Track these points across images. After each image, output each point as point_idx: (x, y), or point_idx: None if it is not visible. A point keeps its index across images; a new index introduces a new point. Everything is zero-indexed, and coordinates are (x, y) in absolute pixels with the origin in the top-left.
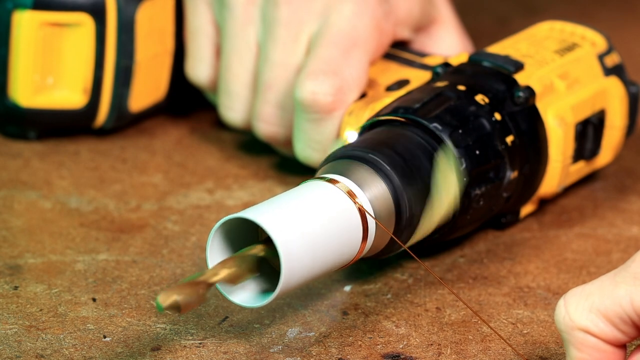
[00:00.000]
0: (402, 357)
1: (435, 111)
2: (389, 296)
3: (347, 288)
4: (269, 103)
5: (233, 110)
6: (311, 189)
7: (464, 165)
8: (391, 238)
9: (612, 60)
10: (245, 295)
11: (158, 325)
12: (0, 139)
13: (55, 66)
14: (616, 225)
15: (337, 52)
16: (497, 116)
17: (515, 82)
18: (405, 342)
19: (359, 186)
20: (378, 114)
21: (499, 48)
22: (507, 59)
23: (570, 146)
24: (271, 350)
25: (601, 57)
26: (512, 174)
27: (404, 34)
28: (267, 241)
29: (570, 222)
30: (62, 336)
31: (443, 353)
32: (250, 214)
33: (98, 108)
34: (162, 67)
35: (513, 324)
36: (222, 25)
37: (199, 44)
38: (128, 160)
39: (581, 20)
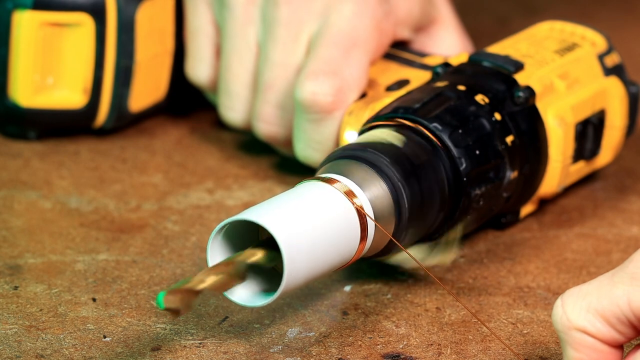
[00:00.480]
0: (402, 357)
1: (435, 111)
2: (389, 296)
3: (347, 288)
4: (269, 103)
5: (233, 110)
6: (311, 189)
7: (464, 165)
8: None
9: (612, 60)
10: (246, 295)
11: (158, 325)
12: (0, 139)
13: (55, 66)
14: (616, 225)
15: (337, 52)
16: (497, 116)
17: (515, 82)
18: (405, 342)
19: (359, 186)
20: (378, 114)
21: (499, 48)
22: (507, 59)
23: (570, 146)
24: (271, 350)
25: (601, 57)
26: (512, 174)
27: (404, 34)
28: (263, 243)
29: (570, 222)
30: (62, 336)
31: (443, 353)
32: (252, 215)
33: (98, 108)
34: (162, 67)
35: (513, 324)
36: (222, 25)
37: (199, 44)
38: (128, 160)
39: (581, 20)
